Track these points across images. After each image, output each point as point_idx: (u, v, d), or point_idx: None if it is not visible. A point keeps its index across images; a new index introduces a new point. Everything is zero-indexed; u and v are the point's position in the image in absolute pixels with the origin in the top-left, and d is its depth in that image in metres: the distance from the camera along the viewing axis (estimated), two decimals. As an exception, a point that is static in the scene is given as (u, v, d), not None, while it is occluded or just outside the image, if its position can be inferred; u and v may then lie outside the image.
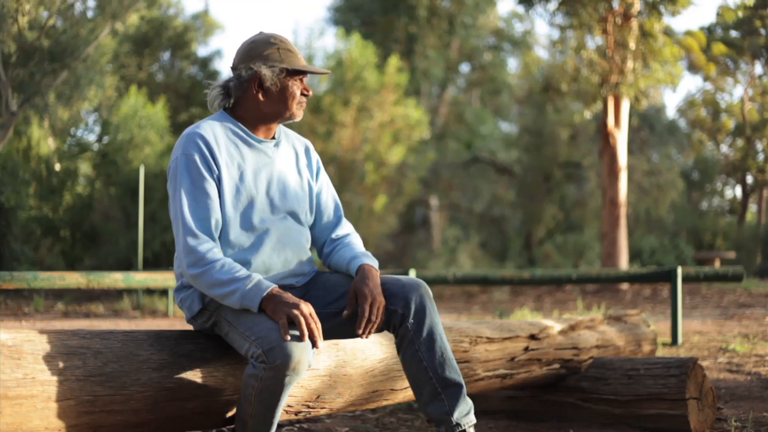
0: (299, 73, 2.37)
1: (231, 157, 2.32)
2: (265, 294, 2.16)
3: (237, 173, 2.32)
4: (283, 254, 2.37)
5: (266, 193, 2.36)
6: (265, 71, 2.32)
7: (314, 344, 2.13)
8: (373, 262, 2.39)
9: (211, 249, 2.22)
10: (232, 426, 2.27)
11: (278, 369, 2.05)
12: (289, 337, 2.07)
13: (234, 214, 2.30)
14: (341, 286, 2.40)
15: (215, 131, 2.32)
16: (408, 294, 2.31)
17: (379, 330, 2.35)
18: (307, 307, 2.14)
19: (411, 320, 2.31)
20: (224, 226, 2.29)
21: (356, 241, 2.51)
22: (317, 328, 2.13)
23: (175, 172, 2.28)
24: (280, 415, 2.17)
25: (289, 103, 2.36)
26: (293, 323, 2.11)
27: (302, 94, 2.38)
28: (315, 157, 2.56)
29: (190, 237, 2.22)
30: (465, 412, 2.33)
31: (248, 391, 2.11)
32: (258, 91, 2.34)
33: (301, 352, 2.07)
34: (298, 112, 2.39)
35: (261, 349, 2.07)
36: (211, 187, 2.26)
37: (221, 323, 2.27)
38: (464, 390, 2.34)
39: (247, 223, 2.32)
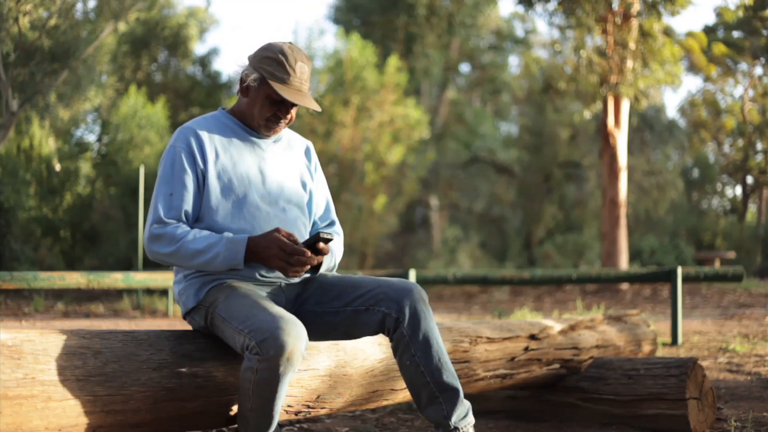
0: (279, 97, 2.40)
1: (225, 150, 2.40)
2: (245, 248, 2.25)
3: (229, 164, 2.39)
4: None
5: (261, 184, 2.42)
6: (252, 76, 2.39)
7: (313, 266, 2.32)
8: (334, 248, 2.49)
9: (178, 226, 2.31)
10: (235, 426, 2.27)
11: (272, 360, 2.06)
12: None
13: (224, 203, 2.37)
14: (336, 286, 2.43)
15: (210, 126, 2.43)
16: (402, 298, 2.34)
17: (373, 333, 2.39)
18: (285, 245, 2.23)
19: (406, 325, 2.32)
20: (212, 214, 2.36)
21: (334, 244, 2.52)
22: (302, 251, 2.24)
23: (162, 163, 2.39)
24: (280, 410, 2.17)
25: (261, 118, 2.43)
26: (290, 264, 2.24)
27: (277, 115, 2.42)
28: (314, 158, 2.63)
29: (155, 224, 2.31)
30: (462, 415, 2.36)
31: (246, 385, 2.13)
32: (240, 91, 2.45)
33: (294, 341, 2.08)
34: (266, 131, 2.45)
35: (255, 341, 2.09)
36: (190, 180, 2.35)
37: (215, 320, 2.28)
38: (461, 394, 2.37)
39: (239, 212, 2.37)
